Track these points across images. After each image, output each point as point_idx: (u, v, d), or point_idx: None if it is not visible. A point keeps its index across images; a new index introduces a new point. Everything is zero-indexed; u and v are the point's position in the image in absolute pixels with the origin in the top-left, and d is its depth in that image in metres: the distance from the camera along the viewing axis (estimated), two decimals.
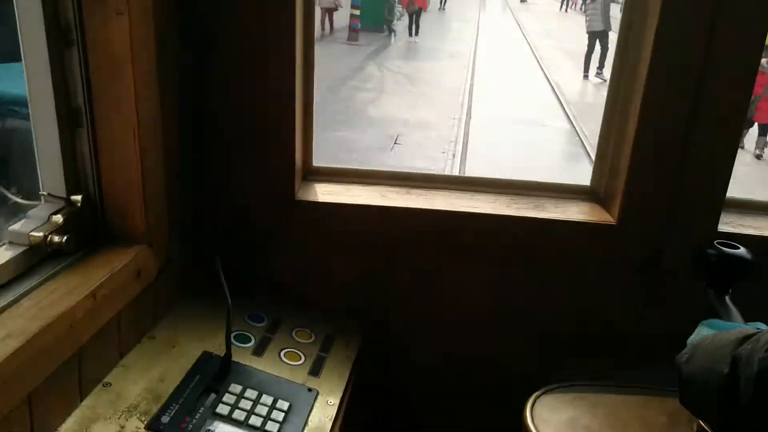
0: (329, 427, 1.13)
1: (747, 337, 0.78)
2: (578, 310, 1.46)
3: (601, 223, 1.38)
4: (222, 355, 1.20)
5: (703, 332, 0.98)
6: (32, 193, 1.08)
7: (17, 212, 1.05)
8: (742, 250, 1.10)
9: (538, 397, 1.10)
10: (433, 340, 1.52)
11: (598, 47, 13.22)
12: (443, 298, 1.49)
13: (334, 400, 1.20)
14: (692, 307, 1.34)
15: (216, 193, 1.39)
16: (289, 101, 1.32)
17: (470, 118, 9.65)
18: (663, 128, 1.29)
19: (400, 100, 10.33)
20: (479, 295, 1.47)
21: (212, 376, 1.16)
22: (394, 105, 10.01)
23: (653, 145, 1.30)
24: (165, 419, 1.04)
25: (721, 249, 1.11)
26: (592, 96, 12.40)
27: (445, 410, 1.58)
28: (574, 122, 9.68)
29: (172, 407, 1.07)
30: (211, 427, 1.05)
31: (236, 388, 1.15)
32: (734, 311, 1.07)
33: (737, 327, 0.96)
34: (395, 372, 1.56)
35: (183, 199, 1.32)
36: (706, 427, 0.97)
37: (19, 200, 1.07)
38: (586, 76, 13.46)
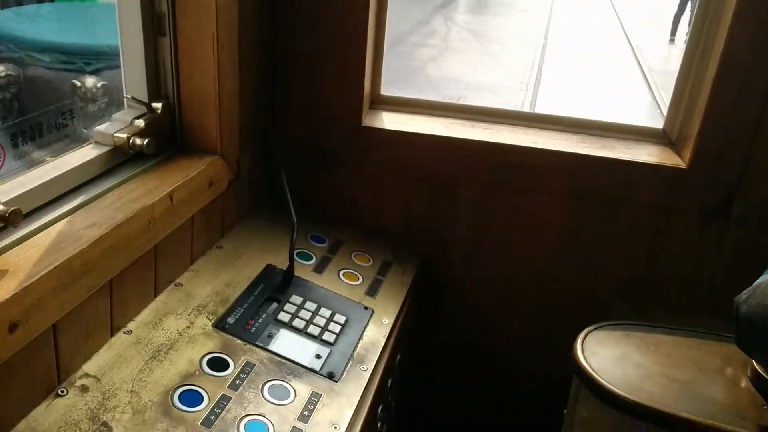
0: (383, 343, 1.18)
1: None
2: (642, 255, 1.44)
3: (671, 167, 1.34)
4: (285, 268, 1.25)
5: None
6: None
7: None
8: None
9: (590, 332, 1.11)
10: (490, 273, 1.54)
11: (689, 7, 11.69)
12: (503, 233, 1.49)
13: (388, 320, 1.24)
14: (759, 258, 1.31)
15: (288, 113, 1.43)
16: (362, 26, 1.33)
17: (539, 82, 9.23)
18: (745, 74, 1.23)
19: (464, 59, 9.84)
20: (540, 231, 1.47)
21: (275, 287, 1.22)
22: (457, 64, 9.49)
23: (733, 90, 1.25)
24: (231, 320, 1.10)
25: None
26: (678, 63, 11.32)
27: (497, 342, 1.61)
28: (656, 95, 8.83)
29: (237, 310, 1.13)
30: (273, 332, 1.11)
31: (297, 299, 1.21)
32: None
33: None
34: (450, 302, 1.59)
35: (257, 116, 1.36)
36: (760, 370, 0.97)
37: None
38: (672, 40, 11.95)
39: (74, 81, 2.05)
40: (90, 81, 2.05)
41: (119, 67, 1.13)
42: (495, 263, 1.53)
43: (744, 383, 0.99)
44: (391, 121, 1.48)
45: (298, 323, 1.15)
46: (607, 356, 1.05)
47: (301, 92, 1.41)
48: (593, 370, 1.01)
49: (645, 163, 1.36)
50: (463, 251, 1.53)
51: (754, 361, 0.97)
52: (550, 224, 1.46)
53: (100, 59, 2.15)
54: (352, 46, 1.35)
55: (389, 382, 1.27)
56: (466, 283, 1.56)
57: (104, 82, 2.06)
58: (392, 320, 1.25)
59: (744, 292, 0.91)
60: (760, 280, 0.96)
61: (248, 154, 1.34)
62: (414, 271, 1.44)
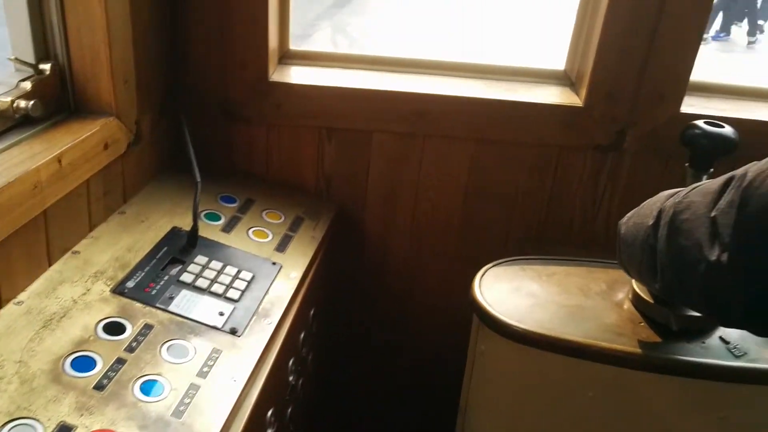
0: (289, 297, 1.19)
1: (676, 192, 0.79)
2: (545, 193, 1.48)
3: (569, 105, 1.37)
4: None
5: None
6: None
7: None
8: (727, 129, 1.08)
9: (488, 269, 1.14)
10: (405, 221, 1.56)
11: None
12: (415, 180, 1.51)
13: (296, 274, 1.25)
14: (652, 188, 1.36)
15: (191, 68, 1.40)
16: None
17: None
18: (632, 12, 1.26)
19: None
20: (450, 177, 1.50)
21: (179, 249, 1.21)
22: None
23: (622, 27, 1.27)
24: (130, 284, 1.10)
25: (705, 127, 1.08)
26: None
27: (415, 286, 1.64)
28: None
29: (137, 274, 1.12)
30: (174, 293, 1.11)
31: (202, 259, 1.20)
32: None
33: None
34: (369, 252, 1.61)
35: (157, 72, 1.33)
36: (637, 289, 1.01)
37: None
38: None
39: None
40: None
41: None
42: (409, 211, 1.55)
43: (626, 304, 1.03)
44: (299, 75, 1.47)
45: (201, 283, 1.15)
46: (503, 289, 1.09)
47: (204, 46, 1.38)
48: (487, 303, 1.04)
49: (544, 104, 1.38)
50: (378, 201, 1.55)
51: (633, 282, 1.02)
52: (459, 169, 1.49)
53: None
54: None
55: (301, 336, 1.29)
56: (383, 232, 1.58)
57: None
58: (300, 274, 1.26)
59: (628, 214, 0.94)
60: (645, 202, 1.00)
61: (149, 113, 1.31)
62: (326, 225, 1.44)
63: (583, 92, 1.36)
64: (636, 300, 1.01)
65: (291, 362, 1.22)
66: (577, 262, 1.15)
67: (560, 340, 0.95)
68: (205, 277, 1.16)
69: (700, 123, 1.10)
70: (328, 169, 1.51)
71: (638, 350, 0.92)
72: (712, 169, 1.11)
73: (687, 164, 1.12)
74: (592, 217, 1.47)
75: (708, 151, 1.09)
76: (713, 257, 0.63)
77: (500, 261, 1.16)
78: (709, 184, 0.71)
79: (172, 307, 1.07)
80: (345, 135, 1.47)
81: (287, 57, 1.50)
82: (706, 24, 1.25)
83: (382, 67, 1.50)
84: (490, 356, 1.06)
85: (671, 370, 0.93)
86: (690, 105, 1.34)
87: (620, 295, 1.05)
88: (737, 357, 0.91)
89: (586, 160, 1.41)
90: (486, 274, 1.12)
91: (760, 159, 1.34)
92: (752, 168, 0.65)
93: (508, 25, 8.96)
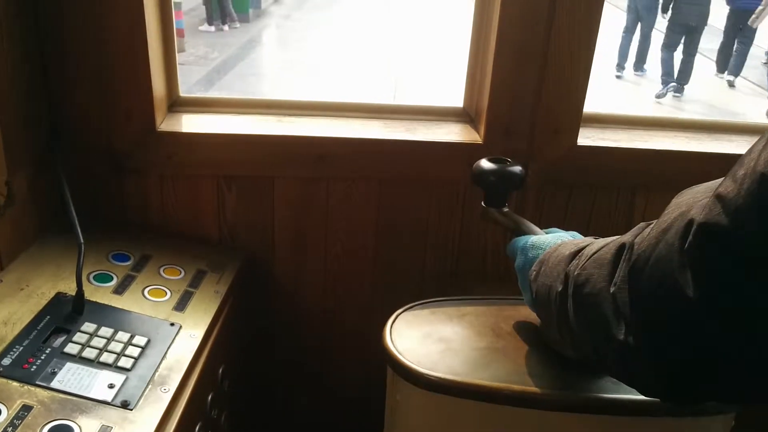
0: (190, 359, 1.11)
1: (578, 252, 0.77)
2: (456, 230, 1.47)
3: (469, 143, 1.38)
4: None
5: (519, 244, 0.99)
6: None
7: None
8: (512, 164, 1.08)
9: (399, 314, 1.11)
10: (317, 265, 1.51)
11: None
12: (323, 224, 1.47)
13: (198, 333, 1.17)
14: (555, 217, 1.38)
15: (73, 123, 1.31)
16: (139, 23, 1.24)
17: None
18: (520, 48, 1.28)
19: None
20: (359, 219, 1.46)
21: (63, 317, 1.11)
22: None
23: (512, 63, 1.29)
24: (5, 362, 0.99)
25: (492, 165, 1.08)
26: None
27: (332, 332, 1.59)
28: None
29: (14, 350, 1.01)
30: (58, 367, 1.00)
31: (90, 327, 1.10)
32: (528, 222, 1.07)
33: (555, 237, 0.96)
34: (281, 300, 1.54)
35: (30, 130, 1.23)
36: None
37: None
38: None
39: None
40: None
41: None
42: (320, 255, 1.50)
43: (537, 341, 1.02)
44: (191, 123, 1.41)
45: (89, 353, 1.05)
46: (414, 336, 1.05)
47: (86, 97, 1.29)
48: (399, 353, 1.00)
49: (445, 143, 1.38)
50: (286, 248, 1.49)
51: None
52: (367, 210, 1.46)
53: None
54: (134, 42, 1.26)
55: (209, 398, 1.21)
56: (295, 279, 1.53)
57: None
58: (203, 333, 1.18)
59: (533, 268, 0.91)
60: (515, 253, 0.99)
61: (24, 172, 1.21)
62: (231, 277, 1.37)
63: (482, 129, 1.37)
64: (545, 337, 1.00)
65: (198, 427, 1.13)
66: (487, 301, 1.13)
67: (472, 385, 0.92)
68: (93, 347, 1.06)
69: (484, 161, 1.09)
70: (231, 218, 1.45)
71: (550, 390, 0.91)
72: (506, 206, 1.12)
73: (482, 203, 1.13)
74: (503, 251, 1.47)
75: (499, 187, 1.10)
76: (621, 336, 0.61)
77: (410, 305, 1.13)
78: (602, 253, 0.69)
79: (54, 384, 0.97)
80: (245, 182, 1.41)
81: (177, 104, 1.43)
82: (592, 59, 1.29)
83: (279, 111, 1.46)
84: (406, 405, 1.02)
85: (584, 408, 0.91)
86: (586, 137, 1.37)
87: (531, 333, 1.04)
88: None
89: None
90: (397, 320, 1.09)
91: (652, 186, 1.40)
92: (637, 241, 0.62)
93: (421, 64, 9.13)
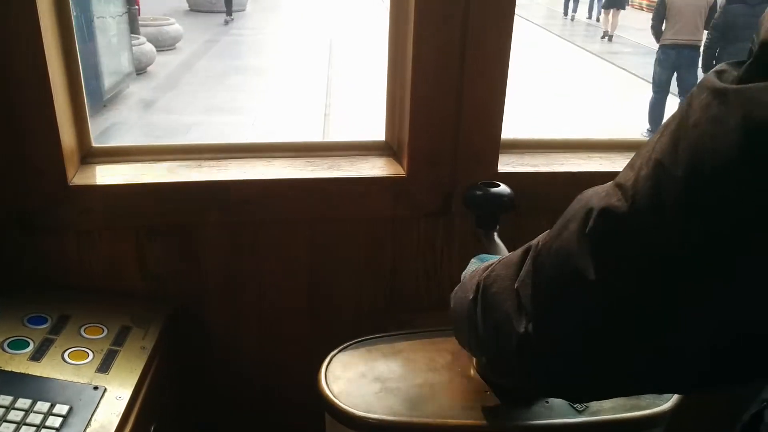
0: (117, 423, 1.05)
1: (493, 263, 0.79)
2: (388, 263, 1.47)
3: (393, 177, 1.38)
4: None
5: (472, 268, 1.01)
6: None
7: None
8: (503, 187, 1.14)
9: (334, 356, 1.09)
10: (252, 309, 1.47)
11: None
12: (254, 268, 1.44)
13: (124, 394, 1.12)
14: (487, 250, 1.39)
15: None
16: (41, 76, 1.19)
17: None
18: (435, 77, 1.30)
19: None
20: (290, 259, 1.44)
21: None
22: None
23: (429, 94, 1.31)
24: None
25: (485, 188, 1.14)
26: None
27: (273, 377, 1.55)
28: None
29: None
30: None
31: (5, 400, 1.04)
32: (501, 245, 1.11)
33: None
34: (216, 348, 1.49)
35: None
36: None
37: None
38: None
39: None
40: None
41: None
42: (254, 300, 1.47)
43: (471, 372, 1.03)
44: (105, 174, 1.36)
45: (5, 429, 0.99)
46: (350, 378, 1.04)
47: None
48: (334, 396, 0.99)
49: (369, 177, 1.38)
50: (217, 295, 1.45)
51: None
52: (298, 250, 1.44)
53: None
54: (36, 100, 1.21)
55: None
56: (229, 326, 1.48)
57: None
58: (130, 393, 1.12)
59: (456, 287, 0.93)
60: (466, 272, 1.01)
61: None
62: (158, 331, 1.32)
63: (405, 161, 1.38)
64: (479, 367, 1.01)
65: None
66: (421, 334, 1.13)
67: (411, 424, 0.92)
68: (9, 421, 1.00)
69: (477, 186, 1.16)
70: (155, 270, 1.40)
71: (485, 422, 0.91)
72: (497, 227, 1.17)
73: (476, 227, 1.17)
74: (436, 284, 1.48)
75: (491, 211, 1.15)
76: (521, 329, 0.63)
77: (345, 346, 1.11)
78: (511, 256, 0.71)
79: None
80: (168, 231, 1.37)
81: (90, 155, 1.38)
82: (505, 89, 1.32)
83: (198, 156, 1.43)
84: None
85: None
86: (506, 164, 1.40)
87: (465, 364, 1.04)
88: (580, 412, 0.93)
89: (420, 229, 1.43)
90: (332, 362, 1.07)
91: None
92: (541, 238, 0.65)
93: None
